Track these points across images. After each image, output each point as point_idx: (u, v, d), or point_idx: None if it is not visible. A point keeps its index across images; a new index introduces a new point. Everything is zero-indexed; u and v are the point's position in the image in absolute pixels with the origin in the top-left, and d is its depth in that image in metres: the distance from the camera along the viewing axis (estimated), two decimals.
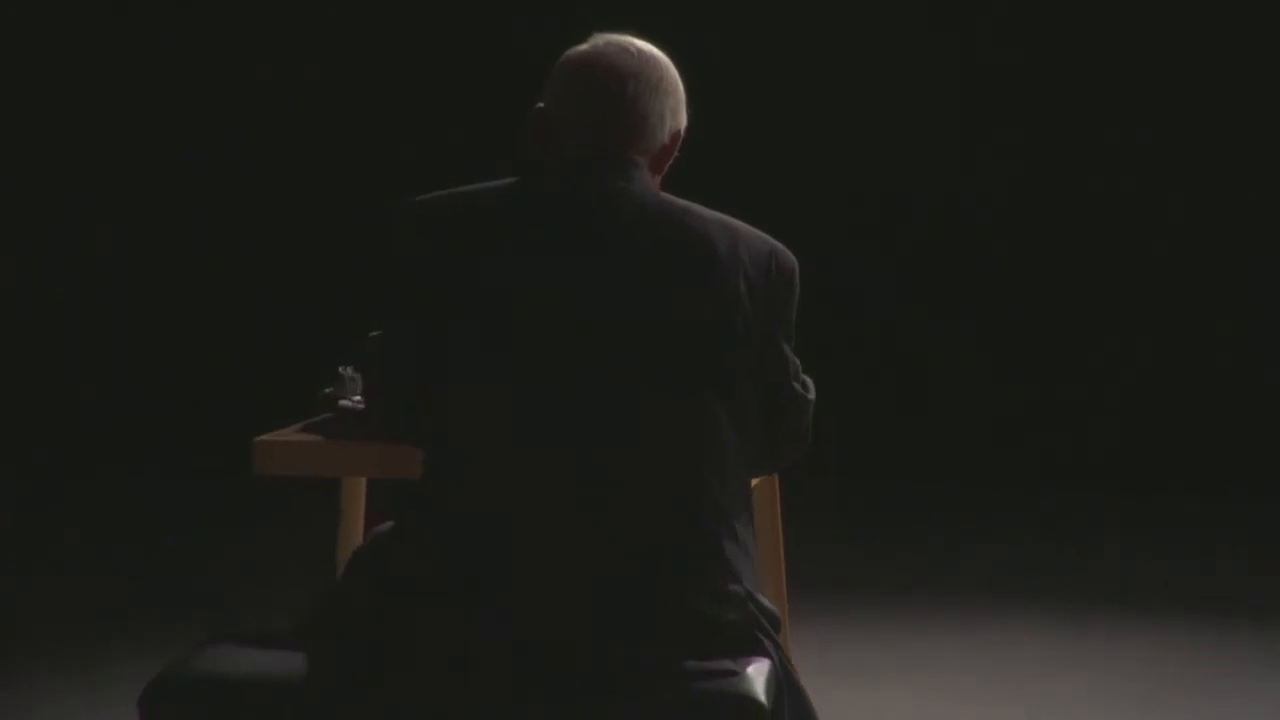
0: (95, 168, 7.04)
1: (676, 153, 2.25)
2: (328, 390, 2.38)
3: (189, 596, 4.86)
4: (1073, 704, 4.03)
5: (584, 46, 2.23)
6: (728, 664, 1.99)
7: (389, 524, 2.13)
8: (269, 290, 7.17)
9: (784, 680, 2.04)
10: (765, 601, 2.10)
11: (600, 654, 1.95)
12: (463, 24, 7.12)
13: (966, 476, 6.58)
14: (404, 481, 2.26)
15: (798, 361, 2.23)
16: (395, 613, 1.97)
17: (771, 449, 2.22)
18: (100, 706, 3.80)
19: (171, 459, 6.44)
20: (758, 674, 1.96)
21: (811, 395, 2.25)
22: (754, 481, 2.25)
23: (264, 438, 2.29)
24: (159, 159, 7.11)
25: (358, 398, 2.27)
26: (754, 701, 1.91)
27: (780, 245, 2.20)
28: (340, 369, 2.44)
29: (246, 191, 7.16)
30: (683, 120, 2.24)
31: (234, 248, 7.17)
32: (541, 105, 2.19)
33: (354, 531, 2.55)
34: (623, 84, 2.15)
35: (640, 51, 2.20)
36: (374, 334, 2.11)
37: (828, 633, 4.46)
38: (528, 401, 1.98)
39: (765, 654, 2.02)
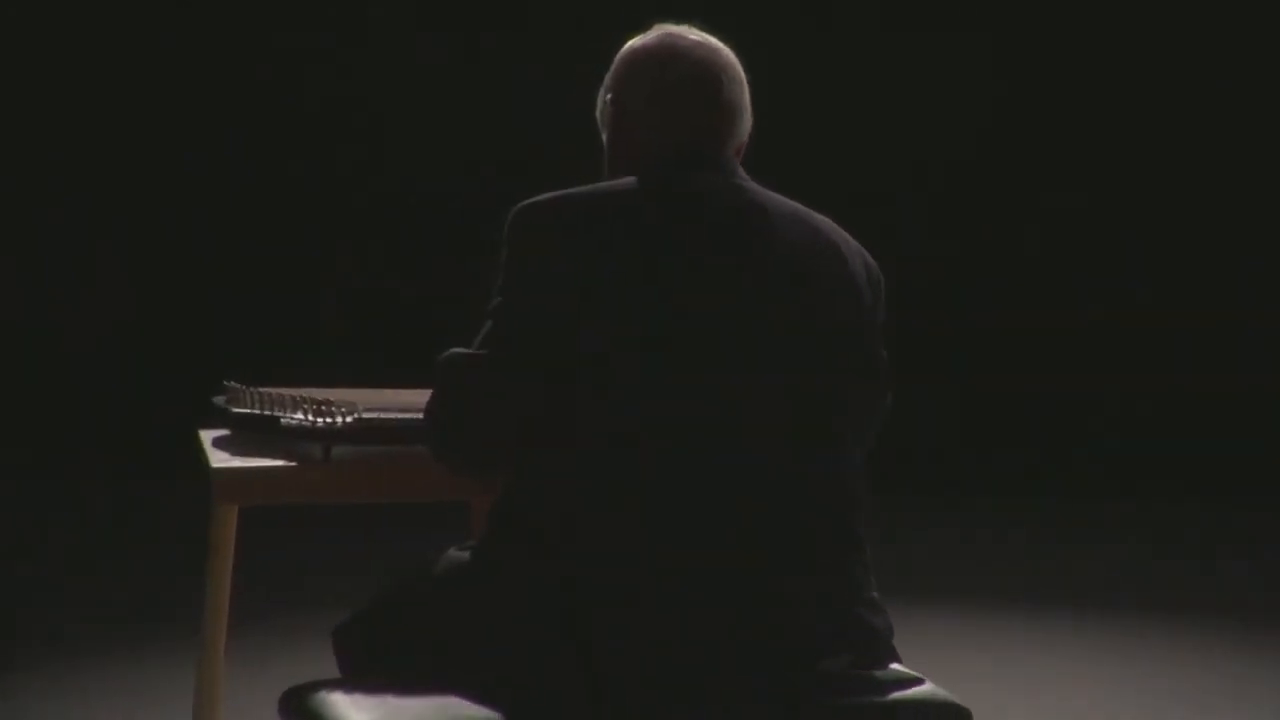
0: (95, 168, 7.03)
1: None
2: (237, 408, 2.23)
3: (164, 603, 4.80)
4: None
5: (654, 39, 2.14)
6: (902, 670, 1.96)
7: (457, 550, 1.99)
8: (269, 290, 7.16)
9: None
10: None
11: (789, 665, 1.90)
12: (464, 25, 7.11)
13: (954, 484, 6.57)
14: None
15: None
16: (566, 642, 1.87)
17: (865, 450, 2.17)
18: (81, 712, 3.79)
19: (167, 461, 6.41)
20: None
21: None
22: None
23: (222, 466, 2.06)
24: (158, 159, 7.09)
25: (299, 415, 2.12)
26: (958, 707, 1.91)
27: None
28: (226, 382, 2.32)
29: (246, 191, 7.16)
30: None
31: (234, 248, 7.16)
32: (611, 98, 2.12)
33: (225, 562, 2.36)
34: (717, 80, 2.10)
35: (718, 45, 2.15)
36: (457, 349, 1.95)
37: None
38: (689, 405, 1.91)
39: (898, 660, 2.00)
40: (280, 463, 2.10)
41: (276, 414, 2.15)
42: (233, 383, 2.33)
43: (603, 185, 2.03)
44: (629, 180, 2.03)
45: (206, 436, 2.31)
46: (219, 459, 2.09)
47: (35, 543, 5.61)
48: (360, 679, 1.94)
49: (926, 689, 1.92)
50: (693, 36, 2.15)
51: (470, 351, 1.95)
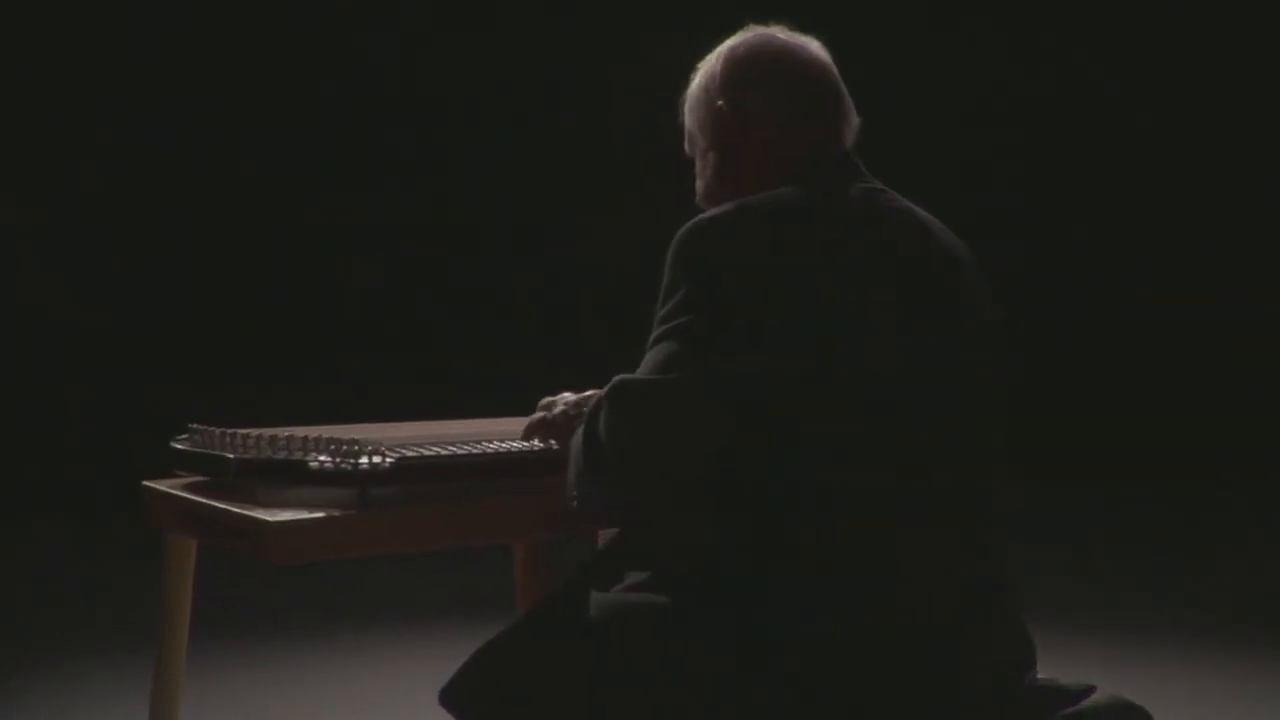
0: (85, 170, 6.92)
1: None
2: (236, 454, 2.03)
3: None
4: None
5: (762, 41, 2.05)
6: (1071, 682, 1.92)
7: (601, 593, 1.85)
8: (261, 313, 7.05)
9: None
10: None
11: (1010, 682, 1.87)
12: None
13: None
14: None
15: None
16: (792, 692, 1.77)
17: None
18: None
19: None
20: None
21: None
22: None
23: (280, 519, 1.84)
24: (139, 165, 6.99)
25: (324, 457, 1.95)
26: (1142, 710, 1.90)
27: None
28: (191, 425, 2.14)
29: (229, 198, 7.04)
30: None
31: (213, 268, 7.06)
32: (725, 103, 2.02)
33: (183, 597, 2.25)
34: (835, 79, 2.05)
35: (818, 44, 2.08)
36: (627, 376, 1.84)
37: None
38: (895, 419, 1.84)
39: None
40: (337, 512, 1.89)
41: (303, 458, 1.96)
42: (201, 425, 2.13)
43: (769, 196, 1.93)
44: (791, 190, 1.95)
45: (172, 485, 2.13)
46: (254, 510, 1.87)
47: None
48: None
49: (1107, 695, 1.90)
50: (799, 37, 2.08)
51: (655, 377, 1.84)
